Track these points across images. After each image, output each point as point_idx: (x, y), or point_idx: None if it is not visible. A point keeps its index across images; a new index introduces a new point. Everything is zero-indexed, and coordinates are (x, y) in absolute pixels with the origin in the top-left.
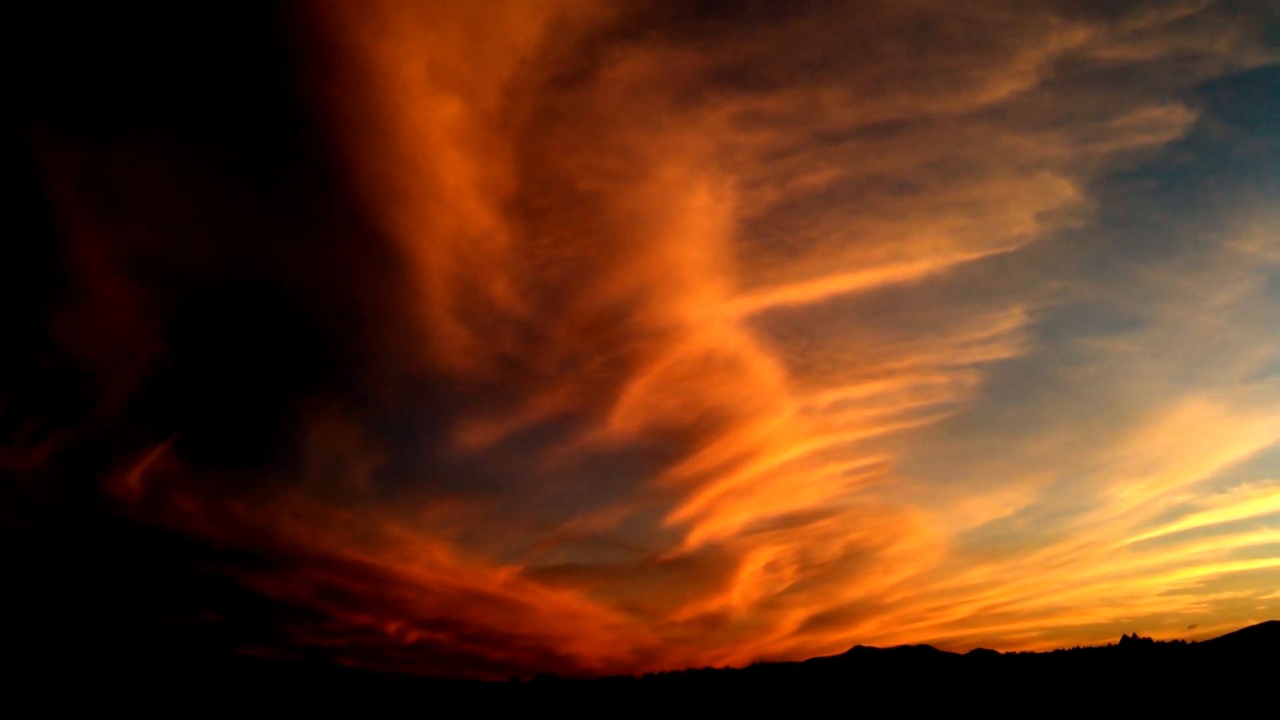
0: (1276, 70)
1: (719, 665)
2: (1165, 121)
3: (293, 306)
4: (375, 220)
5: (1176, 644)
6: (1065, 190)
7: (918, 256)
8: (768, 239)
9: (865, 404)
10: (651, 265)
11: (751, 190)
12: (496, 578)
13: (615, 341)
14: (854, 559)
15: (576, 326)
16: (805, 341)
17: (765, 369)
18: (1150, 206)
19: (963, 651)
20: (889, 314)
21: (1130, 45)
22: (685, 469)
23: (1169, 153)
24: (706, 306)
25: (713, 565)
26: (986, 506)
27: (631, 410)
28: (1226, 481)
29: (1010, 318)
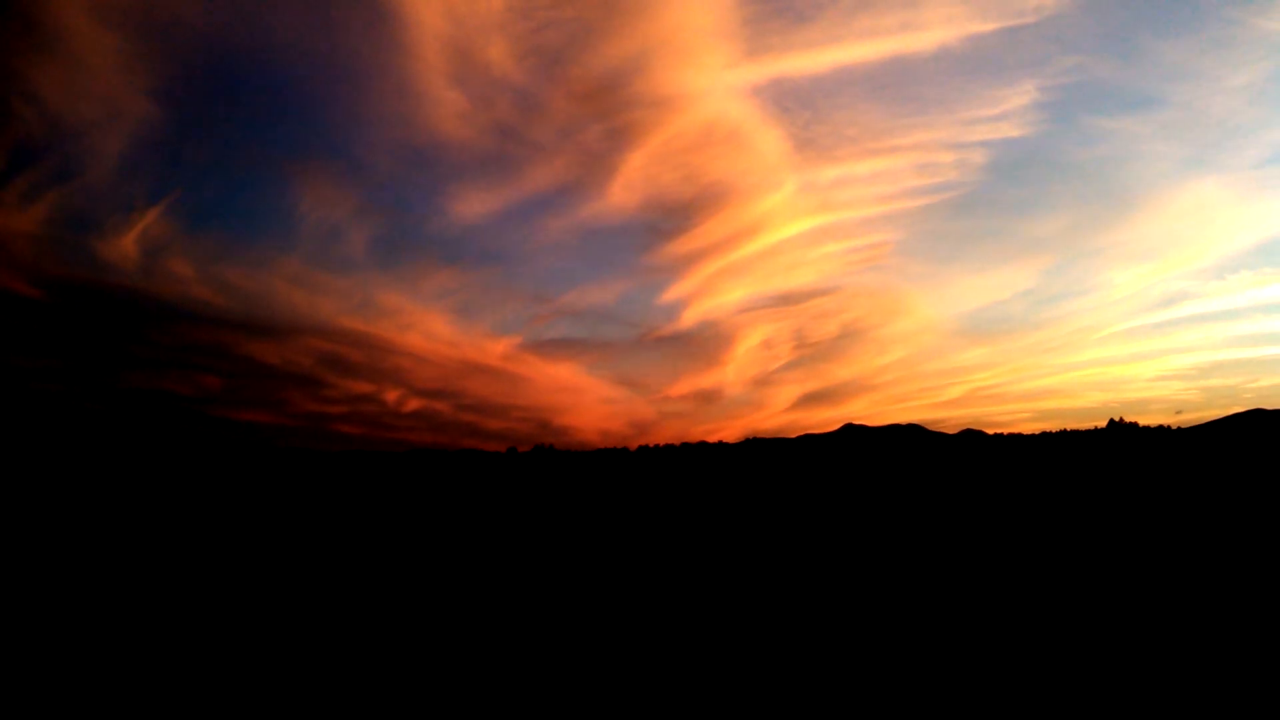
0: None
1: (712, 439)
2: None
3: (284, 68)
4: None
5: (1162, 429)
6: None
7: (930, 26)
8: (774, 3)
9: (868, 181)
10: (654, 29)
11: None
12: (494, 349)
13: (614, 110)
14: (849, 338)
15: (575, 94)
16: (809, 115)
17: (767, 143)
18: None
19: (952, 431)
20: (897, 88)
21: None
22: (683, 244)
23: None
24: (709, 75)
25: (708, 341)
26: (984, 288)
27: (630, 183)
28: (1226, 269)
29: (1021, 94)
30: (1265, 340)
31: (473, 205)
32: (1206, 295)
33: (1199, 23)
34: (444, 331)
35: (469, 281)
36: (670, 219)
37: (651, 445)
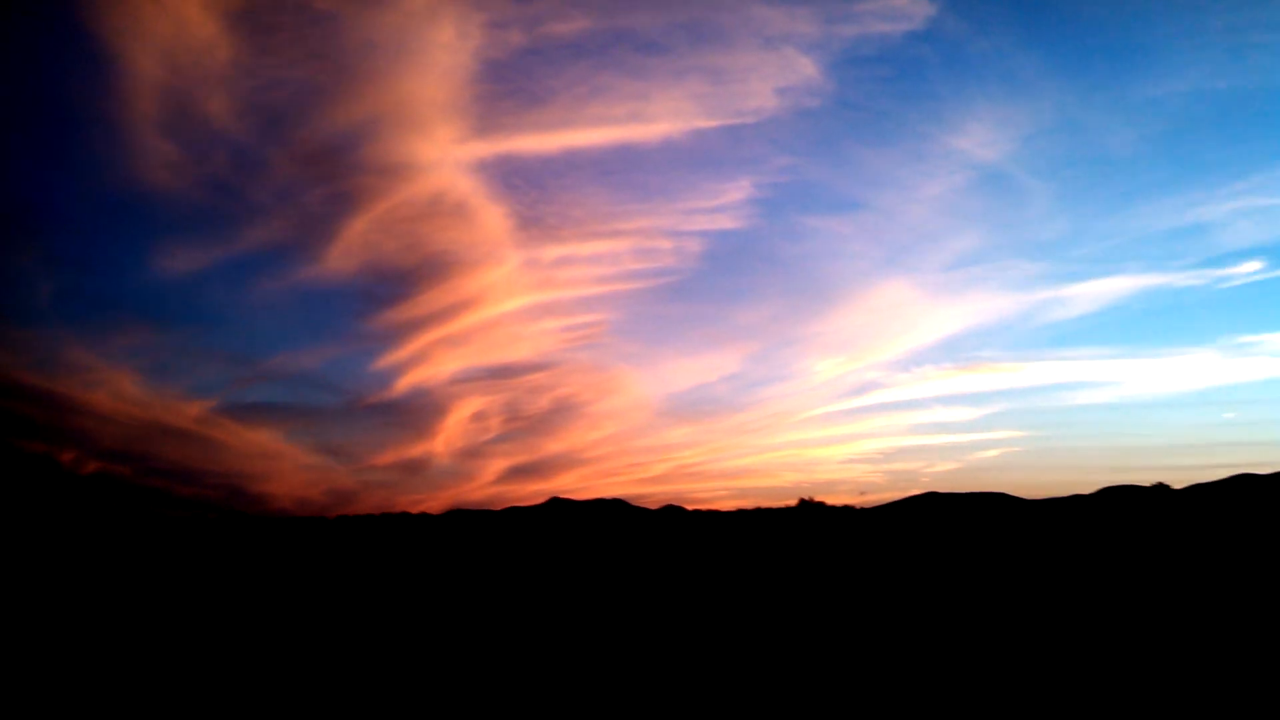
0: None
1: (415, 510)
2: (907, 11)
3: None
4: (81, 15)
5: (847, 508)
6: (806, 68)
7: (657, 118)
8: (509, 84)
9: (589, 262)
10: (385, 98)
11: (499, 31)
12: (188, 411)
13: (339, 174)
14: (561, 413)
15: (298, 155)
16: (537, 194)
17: (493, 218)
18: (882, 93)
19: (654, 506)
20: (622, 174)
21: None
22: (401, 313)
23: (906, 44)
24: (439, 148)
25: (419, 411)
26: (693, 370)
27: (350, 248)
28: (912, 362)
29: (738, 189)
30: (942, 429)
31: (177, 261)
32: (894, 385)
33: (898, 136)
34: (133, 391)
35: (166, 340)
36: (389, 286)
37: (351, 514)
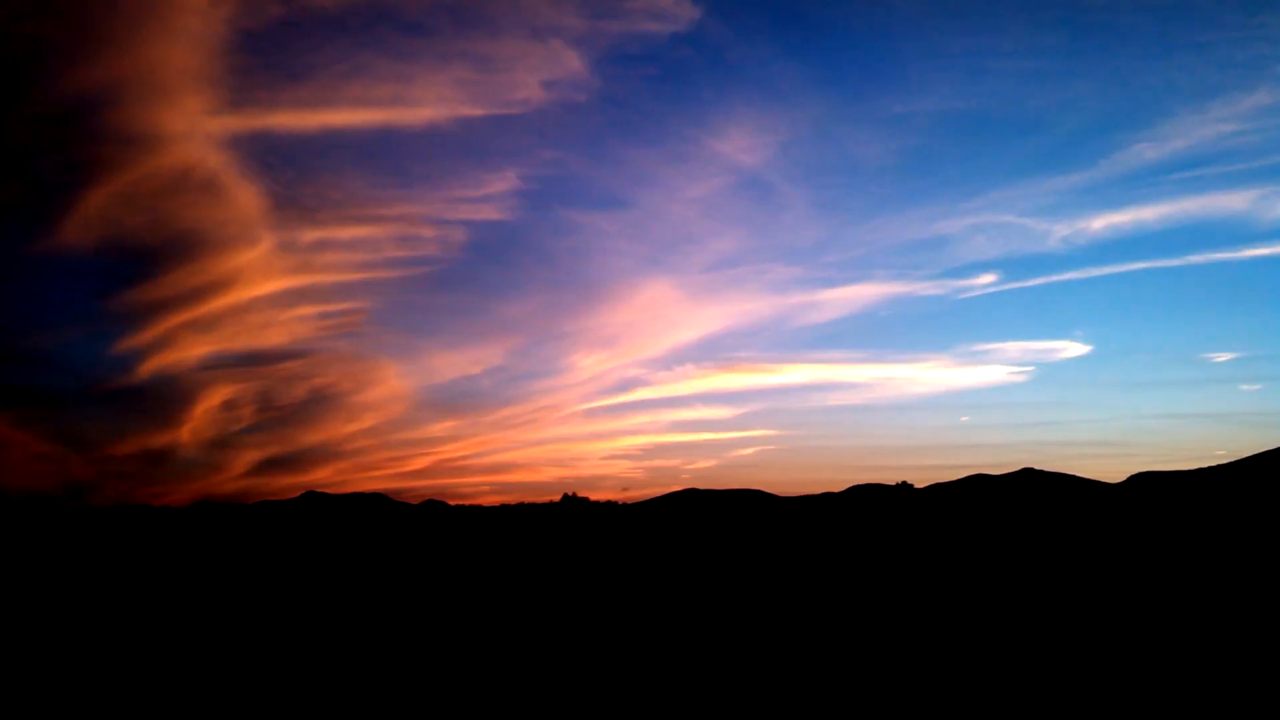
0: None
1: (158, 503)
2: (673, 13)
3: None
4: None
5: (610, 504)
6: (573, 62)
7: (420, 103)
8: (266, 57)
9: (349, 247)
10: (129, 63)
11: None
12: None
13: (76, 141)
14: (318, 404)
15: (30, 116)
16: (293, 174)
17: (246, 197)
18: (647, 93)
19: (415, 501)
20: (385, 158)
21: None
22: (144, 293)
23: (671, 45)
24: (187, 119)
25: (164, 399)
26: (456, 363)
27: (88, 221)
28: (674, 360)
29: (504, 180)
30: (702, 427)
31: None
32: (656, 383)
33: (662, 136)
34: None
35: None
36: (131, 264)
37: (87, 506)
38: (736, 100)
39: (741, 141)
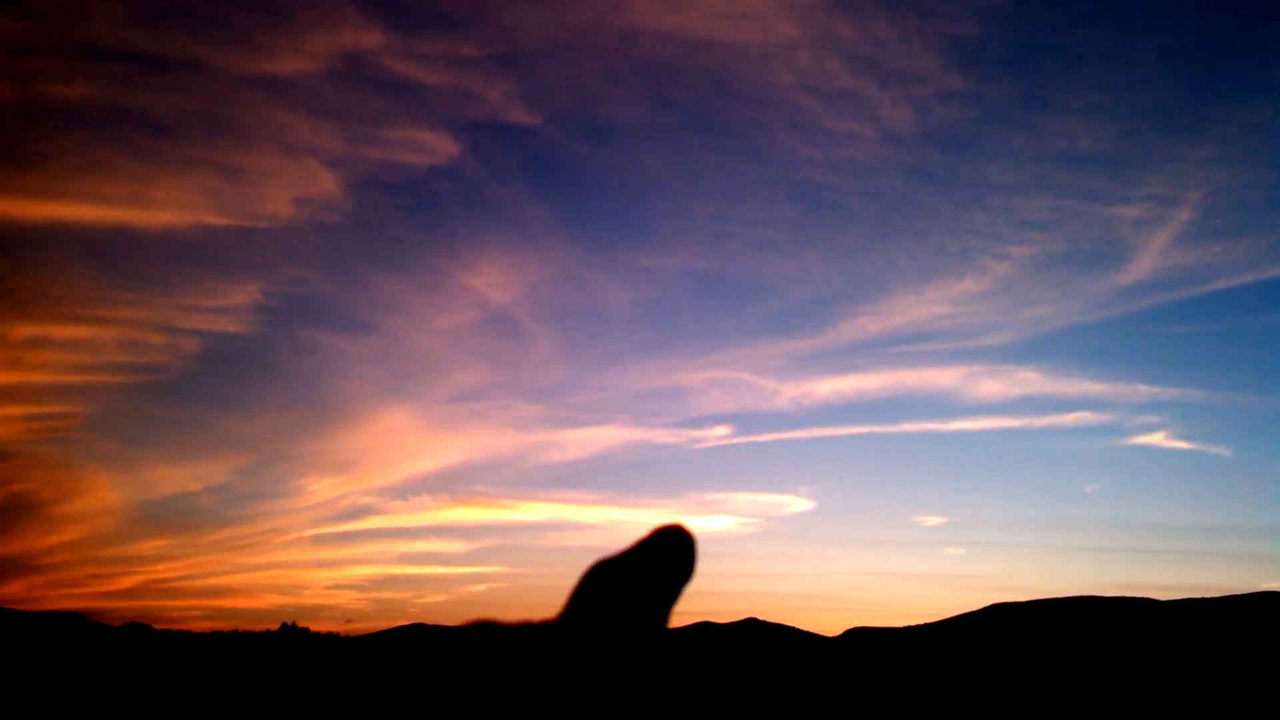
0: (531, 130)
1: None
2: (431, 146)
3: None
4: None
5: (332, 635)
6: (327, 182)
7: (161, 206)
8: None
9: (67, 347)
10: None
11: None
12: None
13: None
14: (14, 511)
15: None
16: (10, 263)
17: None
18: (400, 221)
19: (116, 624)
20: (117, 259)
21: (417, 64)
22: None
23: (429, 176)
24: None
25: None
26: (175, 478)
27: None
28: (409, 490)
29: (245, 293)
30: (434, 560)
31: None
32: (389, 513)
33: (415, 265)
34: None
35: None
36: None
37: None
38: (490, 237)
39: (492, 278)
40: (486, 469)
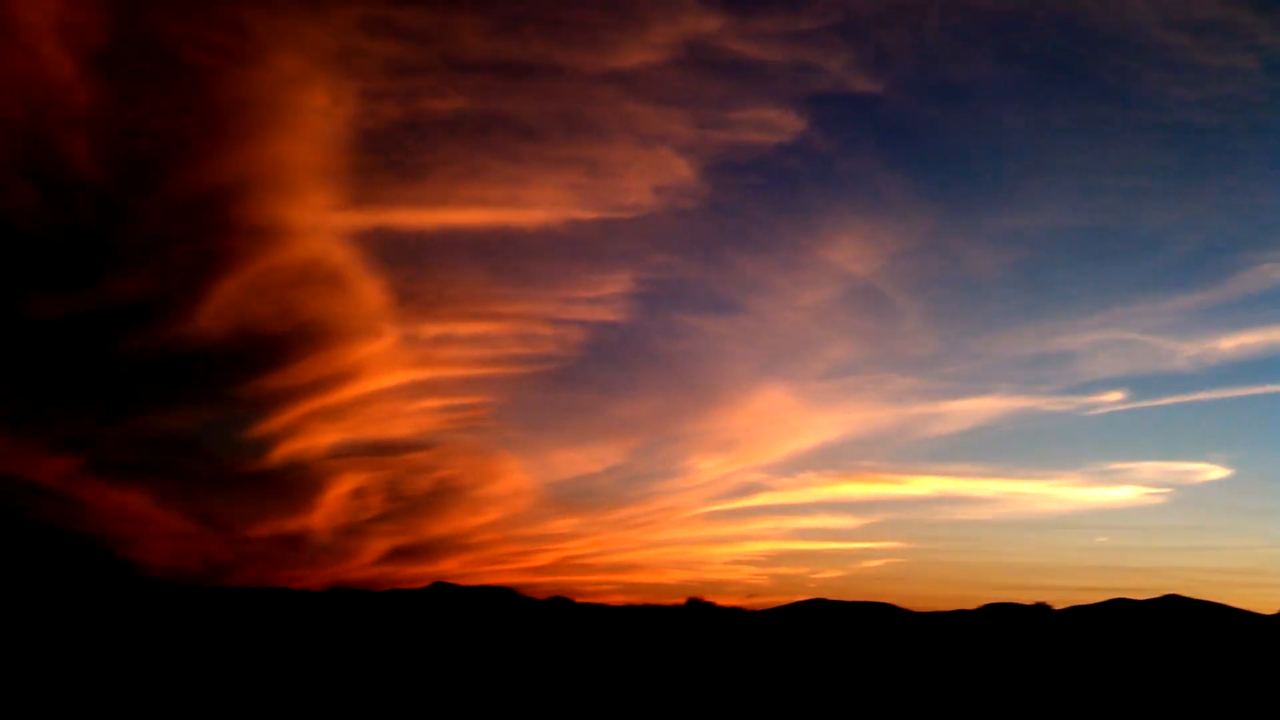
0: (877, 98)
1: (295, 586)
2: (778, 124)
3: None
4: None
5: (737, 610)
6: (681, 169)
7: (534, 205)
8: (386, 156)
9: (470, 343)
10: (257, 157)
11: (374, 101)
12: (52, 467)
13: (209, 231)
14: (443, 495)
15: (166, 209)
16: (414, 269)
17: (369, 290)
18: (755, 201)
19: (541, 597)
20: (501, 257)
21: (757, 43)
22: (274, 381)
23: (778, 154)
24: (313, 214)
25: (295, 484)
26: (576, 460)
27: (220, 309)
28: (794, 467)
29: (617, 282)
30: (826, 535)
31: (41, 308)
32: (777, 489)
33: (774, 244)
34: None
35: (30, 390)
36: (262, 352)
37: (229, 587)
38: (845, 210)
39: (851, 251)
40: (868, 443)
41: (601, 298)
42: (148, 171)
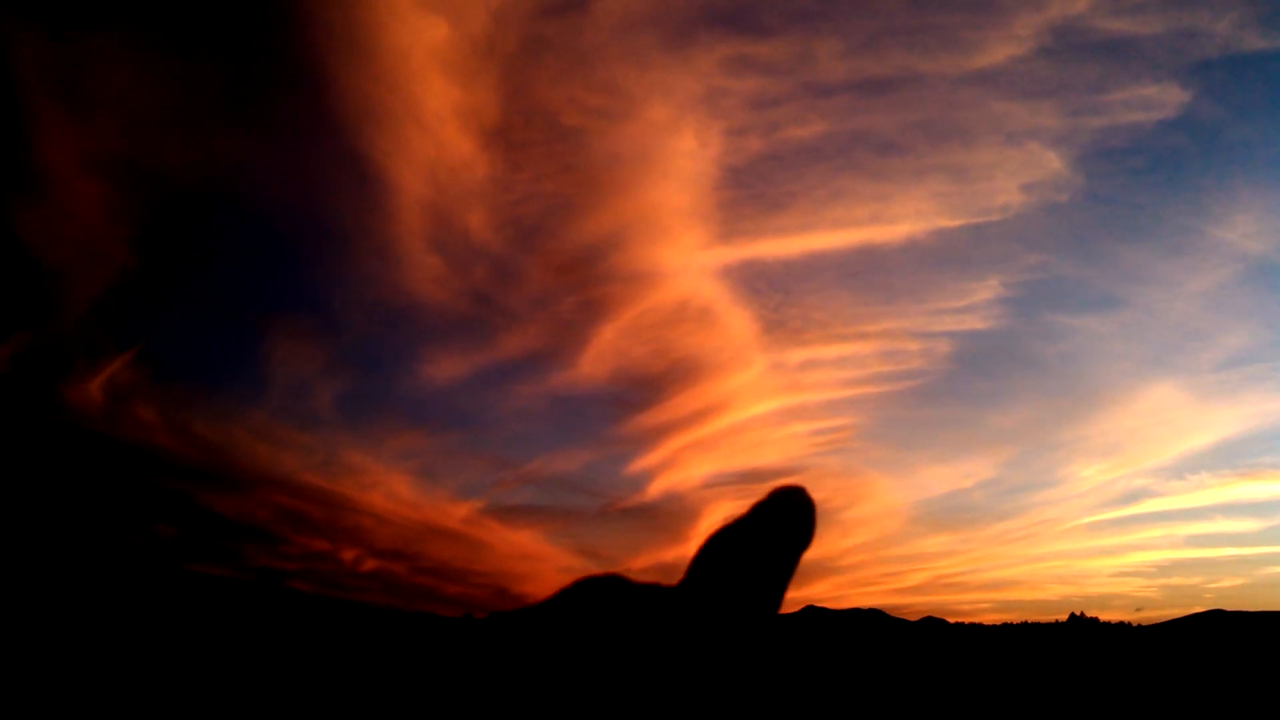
0: (1274, 55)
1: None
2: (1158, 100)
3: (265, 221)
4: (353, 139)
5: (1123, 625)
6: (1052, 163)
7: (899, 219)
8: (750, 189)
9: (835, 365)
10: (631, 207)
11: (737, 137)
12: (456, 513)
13: (589, 283)
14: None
15: (551, 265)
16: (780, 297)
17: (738, 322)
18: (1135, 186)
19: (913, 619)
20: (865, 276)
21: (1130, 18)
22: (650, 417)
23: (1159, 132)
24: (683, 254)
25: (672, 515)
26: (947, 476)
27: (600, 354)
28: (1185, 469)
29: (986, 288)
30: (1224, 541)
31: (443, 368)
32: (1167, 494)
33: (1157, 229)
34: (406, 493)
35: (434, 444)
36: (639, 392)
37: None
38: (1238, 183)
39: (1248, 227)
40: (1270, 438)
41: (970, 306)
42: (535, 233)
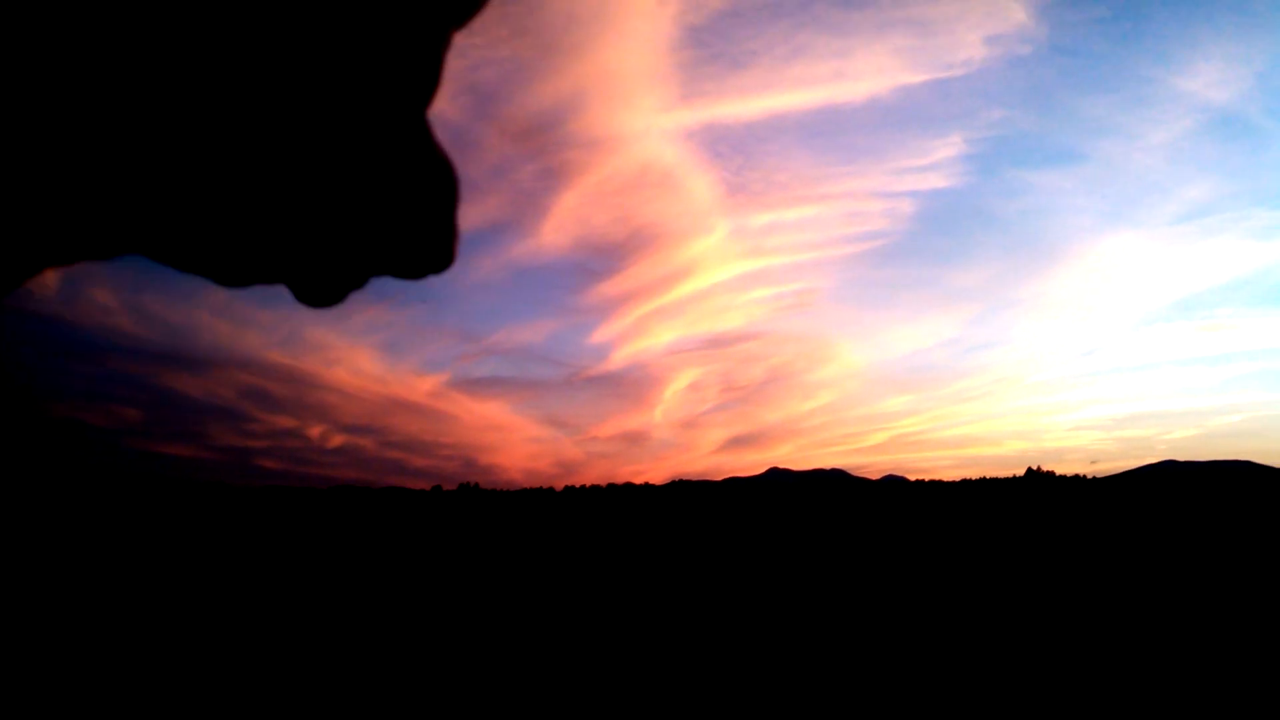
0: None
1: (639, 481)
2: None
3: None
4: None
5: (1078, 478)
6: (1016, 14)
7: (861, 76)
8: (710, 49)
9: (798, 228)
10: (589, 71)
11: None
12: (422, 386)
13: (547, 150)
14: (775, 382)
15: (508, 133)
16: (741, 160)
17: (699, 187)
18: (1098, 35)
19: (874, 477)
20: (828, 136)
21: None
22: (614, 286)
23: None
24: (643, 118)
25: (636, 383)
26: (909, 336)
27: (561, 223)
28: (1142, 322)
29: (949, 145)
30: (1178, 393)
31: None
32: (1123, 348)
33: (1119, 81)
34: (371, 368)
35: (399, 318)
36: (601, 260)
37: (578, 486)
38: (1202, 31)
39: (1211, 76)
40: (1228, 289)
41: (932, 164)
42: (492, 100)
